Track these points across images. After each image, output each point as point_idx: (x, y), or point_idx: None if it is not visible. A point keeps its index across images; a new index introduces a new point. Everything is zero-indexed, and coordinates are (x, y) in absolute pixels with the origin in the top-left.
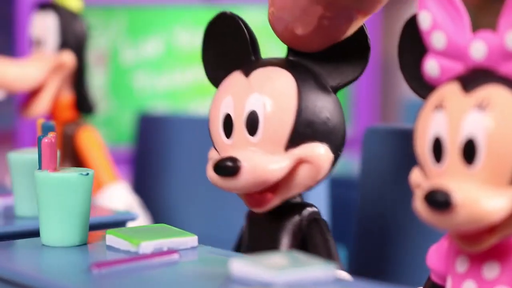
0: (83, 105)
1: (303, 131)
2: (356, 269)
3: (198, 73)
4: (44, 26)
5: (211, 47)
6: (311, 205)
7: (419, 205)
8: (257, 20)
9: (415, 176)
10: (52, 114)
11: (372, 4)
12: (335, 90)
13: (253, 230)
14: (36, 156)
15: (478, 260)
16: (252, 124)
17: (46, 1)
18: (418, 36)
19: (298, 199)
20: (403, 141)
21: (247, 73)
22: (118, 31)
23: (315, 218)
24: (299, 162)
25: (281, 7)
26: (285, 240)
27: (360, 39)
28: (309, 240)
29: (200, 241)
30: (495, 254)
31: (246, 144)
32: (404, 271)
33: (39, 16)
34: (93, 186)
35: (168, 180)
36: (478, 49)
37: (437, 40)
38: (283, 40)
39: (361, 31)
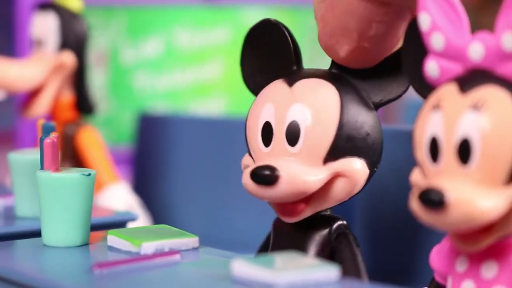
0: (83, 105)
1: (343, 145)
2: None
3: (198, 73)
4: (44, 26)
5: (251, 53)
6: (341, 218)
7: (414, 204)
8: (256, 19)
9: (415, 176)
10: (52, 114)
11: None
12: (377, 106)
13: (279, 239)
14: (37, 156)
15: (476, 260)
16: (292, 134)
17: (46, 1)
18: (421, 37)
19: (328, 212)
20: (404, 142)
21: (290, 83)
22: (118, 31)
23: (344, 231)
24: (336, 176)
25: (328, 27)
26: (312, 252)
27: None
28: (337, 254)
29: (201, 242)
30: (494, 254)
31: (285, 154)
32: (404, 271)
33: (39, 16)
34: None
35: (169, 180)
36: (476, 50)
37: (436, 41)
38: (332, 57)
39: None
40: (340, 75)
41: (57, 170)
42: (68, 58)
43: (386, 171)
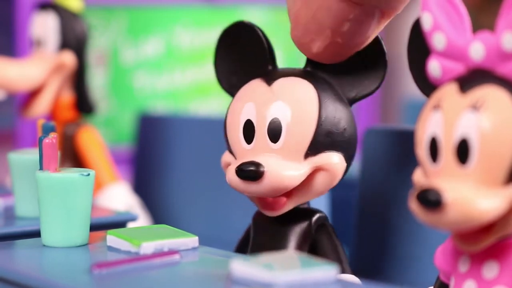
0: (83, 105)
1: (322, 140)
2: (356, 269)
3: (198, 73)
4: (44, 26)
5: (225, 53)
6: (319, 211)
7: (413, 204)
8: (257, 19)
9: (417, 176)
10: (52, 114)
11: (398, 1)
12: (351, 102)
13: (260, 233)
14: (37, 156)
15: (478, 260)
16: (274, 131)
17: (47, 1)
18: (424, 36)
19: (305, 205)
20: (404, 142)
21: (269, 82)
22: (118, 31)
23: (323, 223)
24: (316, 170)
25: (301, 25)
26: (293, 244)
27: (377, 52)
28: (318, 245)
29: (201, 242)
30: (495, 254)
31: (267, 150)
32: (405, 271)
33: (40, 16)
34: (93, 186)
35: (169, 180)
36: (477, 50)
37: (438, 41)
38: (305, 53)
39: (377, 43)
40: (316, 73)
41: (56, 170)
42: (68, 58)
43: (386, 172)
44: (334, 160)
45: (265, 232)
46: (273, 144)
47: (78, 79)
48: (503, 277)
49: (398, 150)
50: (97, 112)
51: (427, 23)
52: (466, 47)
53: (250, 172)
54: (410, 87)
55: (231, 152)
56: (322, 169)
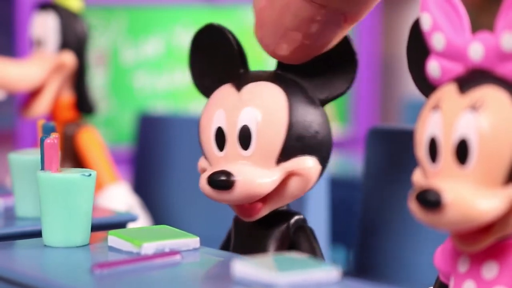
0: (83, 105)
1: (293, 145)
2: (359, 269)
3: None
4: (44, 27)
5: (199, 56)
6: (297, 213)
7: (412, 204)
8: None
9: (416, 176)
10: (52, 114)
11: (360, 7)
12: (323, 103)
13: (240, 235)
14: (37, 156)
15: (478, 260)
16: (244, 138)
17: (47, 1)
18: (423, 37)
19: (284, 208)
20: (406, 142)
21: (238, 87)
22: (118, 31)
23: (302, 225)
24: (289, 175)
25: (265, 24)
26: (272, 246)
27: (347, 52)
28: (296, 247)
29: (201, 242)
30: (494, 255)
31: (238, 158)
32: (407, 271)
33: (40, 16)
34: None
35: (169, 181)
36: (476, 50)
37: (437, 41)
38: (270, 55)
39: (347, 44)
40: (286, 76)
41: (57, 170)
42: (68, 58)
43: (389, 171)
44: (307, 164)
45: (244, 234)
46: (244, 151)
47: (78, 79)
48: (503, 277)
49: (401, 150)
50: (97, 112)
51: (426, 24)
52: (465, 47)
53: (221, 181)
54: (410, 87)
55: (206, 158)
56: (295, 173)
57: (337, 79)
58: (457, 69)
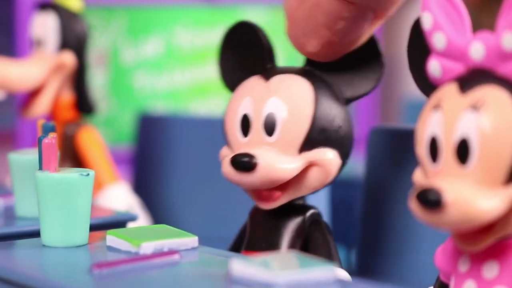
0: (83, 105)
1: (316, 136)
2: (361, 269)
3: (198, 73)
4: (44, 26)
5: (229, 52)
6: (313, 207)
7: (412, 204)
8: (256, 19)
9: (417, 176)
10: (52, 114)
11: (388, 3)
12: (347, 101)
13: (256, 228)
14: (37, 156)
15: (478, 260)
16: (270, 125)
17: (47, 1)
18: (424, 36)
19: (301, 201)
20: (408, 141)
21: (267, 78)
22: (118, 31)
23: (317, 219)
24: (310, 165)
25: (296, 22)
26: (287, 238)
27: (373, 53)
28: (311, 240)
29: (200, 242)
30: (495, 254)
31: (262, 143)
32: (409, 271)
33: (40, 16)
34: (93, 186)
35: (169, 180)
36: (477, 49)
37: (438, 40)
38: (299, 51)
39: (374, 45)
40: (314, 72)
41: (55, 170)
42: (68, 58)
43: (390, 171)
44: (328, 156)
45: (260, 227)
46: (268, 137)
47: (78, 79)
48: (503, 277)
49: (403, 150)
50: (97, 112)
51: (427, 23)
52: (466, 47)
53: (244, 163)
54: (410, 87)
55: (229, 146)
56: (316, 164)
57: (362, 78)
58: (458, 68)
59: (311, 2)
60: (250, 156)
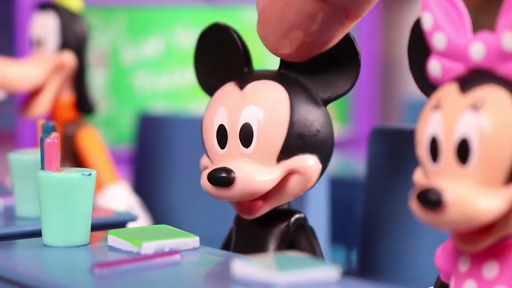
0: (83, 105)
1: (294, 143)
2: (361, 269)
3: None
4: (44, 27)
5: (204, 55)
6: (298, 212)
7: (413, 204)
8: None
9: (417, 176)
10: (52, 114)
11: (361, 3)
12: (326, 102)
13: (241, 234)
14: (37, 156)
15: (478, 260)
16: (246, 136)
17: (47, 1)
18: (424, 37)
19: (285, 206)
20: (409, 141)
21: (241, 86)
22: (118, 31)
23: (302, 224)
24: (290, 173)
25: (268, 22)
26: (272, 245)
27: (350, 52)
28: (296, 246)
29: (200, 242)
30: (495, 254)
31: (239, 155)
32: (410, 271)
33: (40, 16)
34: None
35: (169, 180)
36: (477, 50)
37: (438, 41)
38: (272, 52)
39: (350, 43)
40: (289, 75)
41: (57, 170)
42: (68, 58)
43: (392, 171)
44: (308, 163)
45: (245, 233)
46: (245, 148)
47: (78, 79)
48: (503, 277)
49: (404, 150)
50: (97, 112)
51: (427, 23)
52: (467, 47)
53: (221, 178)
54: (410, 87)
55: (208, 156)
56: (296, 172)
57: (339, 78)
58: (458, 68)
59: (284, 1)
60: (228, 171)
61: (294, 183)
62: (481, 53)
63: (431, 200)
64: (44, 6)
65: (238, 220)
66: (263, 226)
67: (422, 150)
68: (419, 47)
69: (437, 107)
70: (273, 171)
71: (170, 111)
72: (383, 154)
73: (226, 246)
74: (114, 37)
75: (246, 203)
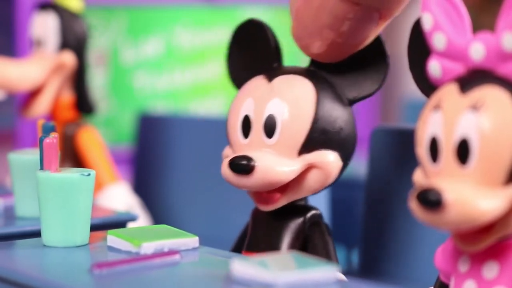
0: (83, 105)
1: (317, 138)
2: (363, 269)
3: (198, 73)
4: (44, 27)
5: (236, 49)
6: (314, 208)
7: (413, 204)
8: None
9: (417, 176)
10: (52, 114)
11: (393, 4)
12: (351, 102)
13: (257, 227)
14: (37, 156)
15: (478, 260)
16: (269, 127)
17: (47, 1)
18: (424, 37)
19: (302, 202)
20: (411, 141)
21: (270, 79)
22: (118, 31)
23: (317, 221)
24: (310, 167)
25: (301, 23)
26: (287, 239)
27: (378, 53)
28: (310, 242)
29: (200, 242)
30: (495, 254)
31: (262, 145)
32: (411, 271)
33: (40, 17)
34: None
35: (169, 180)
36: (477, 50)
37: (438, 41)
38: (304, 52)
39: (379, 45)
40: (317, 73)
41: (56, 170)
42: (68, 58)
43: (393, 171)
44: (328, 159)
45: (261, 227)
46: (268, 139)
47: (78, 79)
48: (503, 277)
49: (405, 150)
50: (97, 112)
51: (427, 23)
52: (466, 47)
53: (241, 165)
54: (410, 87)
55: (231, 147)
56: (316, 166)
57: (367, 79)
58: (458, 69)
59: (317, 3)
60: (248, 159)
61: (313, 178)
62: (481, 53)
63: (431, 200)
64: (44, 6)
65: (255, 213)
66: (280, 220)
67: (422, 150)
68: (419, 47)
69: (437, 107)
70: (293, 163)
71: (170, 111)
72: (384, 154)
73: (242, 241)
74: (114, 37)
75: (264, 193)
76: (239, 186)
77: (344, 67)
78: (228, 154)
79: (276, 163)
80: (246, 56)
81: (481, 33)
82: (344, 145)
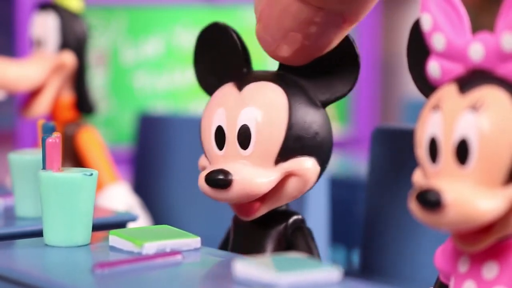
0: (83, 105)
1: (292, 145)
2: (363, 269)
3: None
4: (44, 27)
5: (203, 54)
6: (296, 213)
7: (412, 204)
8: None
9: (417, 176)
10: (52, 114)
11: (357, 8)
12: (324, 104)
13: (238, 235)
14: (37, 156)
15: (478, 260)
16: (244, 137)
17: (47, 1)
18: (423, 37)
19: (283, 207)
20: (411, 141)
21: (240, 87)
22: (118, 31)
23: (300, 225)
24: (288, 175)
25: (265, 26)
26: (269, 246)
27: (349, 54)
28: (293, 248)
29: (202, 242)
30: (495, 255)
31: (237, 157)
32: (411, 271)
33: (40, 17)
34: None
35: (169, 180)
36: (477, 50)
37: (437, 41)
38: (271, 56)
39: (350, 46)
40: (288, 77)
41: (59, 169)
42: (68, 58)
43: (394, 171)
44: (306, 165)
45: (243, 234)
46: (243, 150)
47: (78, 79)
48: (503, 278)
49: (406, 150)
50: (97, 112)
51: (426, 24)
52: (466, 47)
53: (219, 180)
54: (410, 87)
55: (206, 156)
56: (294, 174)
57: (338, 81)
58: (457, 69)
59: (280, 6)
60: (225, 173)
61: (291, 186)
62: (480, 54)
63: (430, 200)
64: (44, 6)
65: (236, 221)
66: (261, 227)
67: (422, 150)
68: (418, 48)
69: (436, 107)
70: (270, 173)
71: (170, 111)
72: (385, 154)
73: (223, 246)
74: (114, 37)
75: (243, 204)
76: (218, 199)
77: (315, 69)
78: (205, 165)
79: (253, 175)
80: (213, 61)
81: (480, 33)
82: (320, 150)
